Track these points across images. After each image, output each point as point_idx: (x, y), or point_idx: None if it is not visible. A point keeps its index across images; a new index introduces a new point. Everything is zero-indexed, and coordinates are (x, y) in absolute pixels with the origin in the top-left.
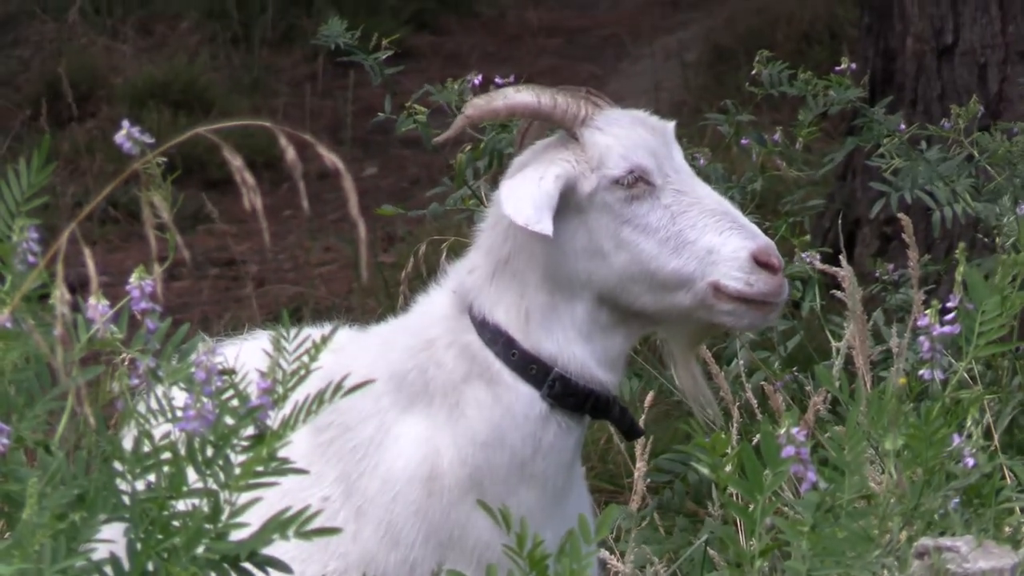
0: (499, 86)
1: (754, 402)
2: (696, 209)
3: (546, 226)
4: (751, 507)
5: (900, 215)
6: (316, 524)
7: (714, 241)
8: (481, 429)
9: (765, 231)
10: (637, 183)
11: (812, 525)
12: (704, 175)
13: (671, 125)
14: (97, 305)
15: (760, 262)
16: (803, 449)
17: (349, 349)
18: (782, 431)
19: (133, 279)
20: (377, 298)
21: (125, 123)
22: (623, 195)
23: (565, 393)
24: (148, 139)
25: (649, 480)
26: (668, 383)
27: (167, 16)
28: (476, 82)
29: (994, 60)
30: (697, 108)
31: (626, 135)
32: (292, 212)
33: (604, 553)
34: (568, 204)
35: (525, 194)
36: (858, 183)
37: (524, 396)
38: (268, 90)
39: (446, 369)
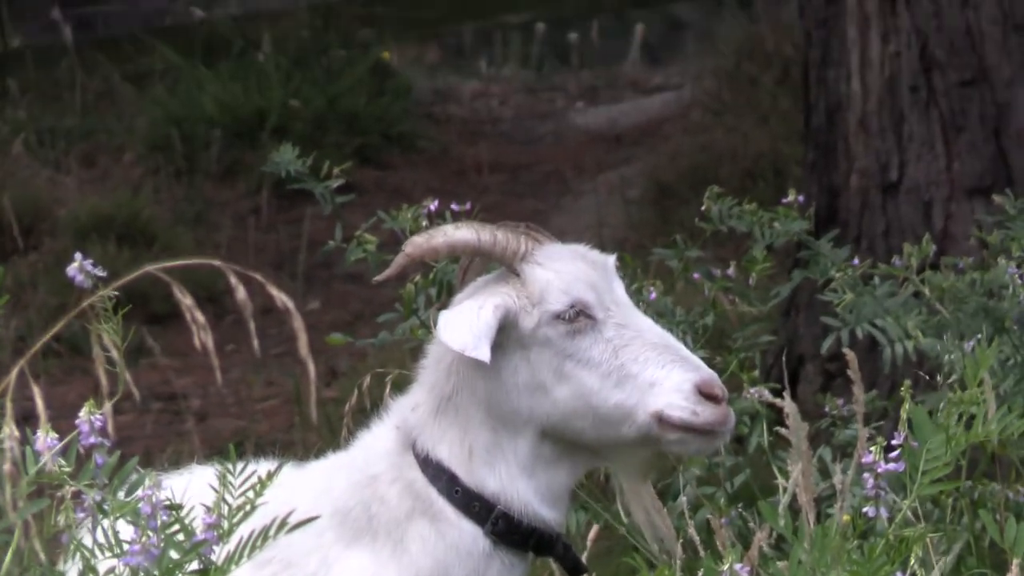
0: (455, 214)
1: (697, 539)
2: (638, 342)
3: (483, 352)
4: None
5: (845, 350)
6: None
7: (657, 374)
8: (425, 565)
9: (714, 366)
10: (578, 317)
11: None
12: (655, 310)
13: (612, 259)
14: (46, 438)
15: (704, 393)
16: None
17: (292, 484)
18: (725, 567)
19: (83, 414)
20: (319, 433)
21: (78, 256)
22: (564, 329)
23: (508, 530)
24: (100, 272)
25: None
26: (612, 519)
27: (110, 148)
28: (432, 208)
29: (939, 197)
30: (640, 244)
31: (566, 269)
32: (235, 347)
33: None
34: (509, 339)
35: (463, 322)
36: (801, 319)
37: (467, 533)
38: (211, 223)
39: (390, 505)
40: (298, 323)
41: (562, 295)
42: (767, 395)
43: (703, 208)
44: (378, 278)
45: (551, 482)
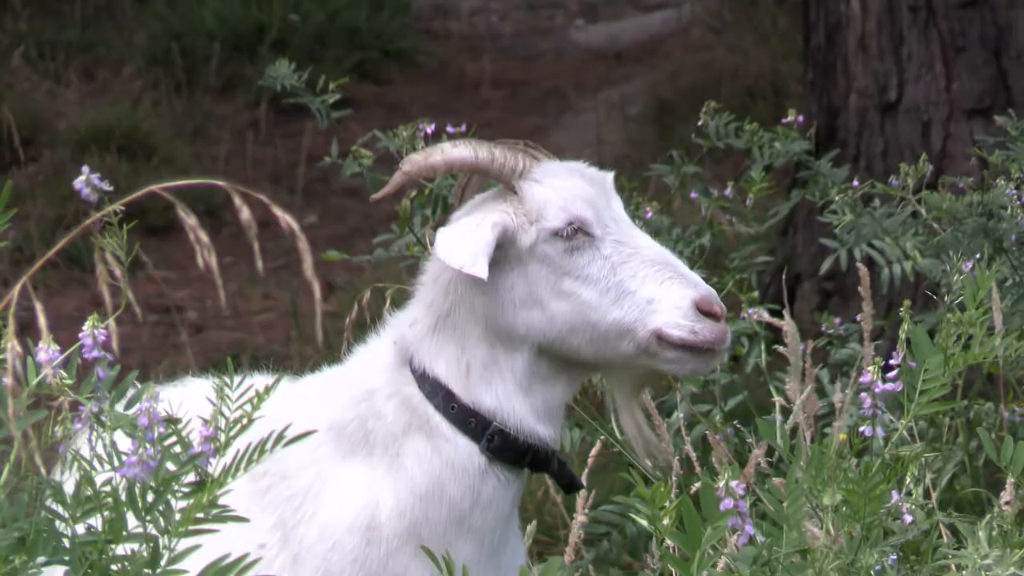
0: (451, 135)
1: (694, 455)
2: (636, 259)
3: (481, 269)
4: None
5: (859, 266)
6: (253, 572)
7: (655, 291)
8: (421, 481)
9: (712, 286)
10: (576, 234)
11: None
12: (651, 228)
13: (610, 176)
14: (48, 350)
15: (703, 310)
16: (741, 502)
17: (289, 398)
18: (721, 484)
19: (86, 327)
20: (315, 346)
21: (85, 169)
22: (562, 247)
23: (504, 447)
24: (106, 187)
25: (584, 532)
26: (610, 435)
27: (110, 62)
28: (428, 131)
29: (938, 117)
30: (640, 161)
31: (564, 186)
32: (233, 259)
33: None
34: (507, 256)
35: (461, 240)
36: (799, 238)
37: (463, 449)
38: (210, 137)
39: (386, 420)
40: (303, 245)
41: (560, 212)
42: (765, 315)
43: (700, 124)
44: (375, 196)
45: (547, 398)
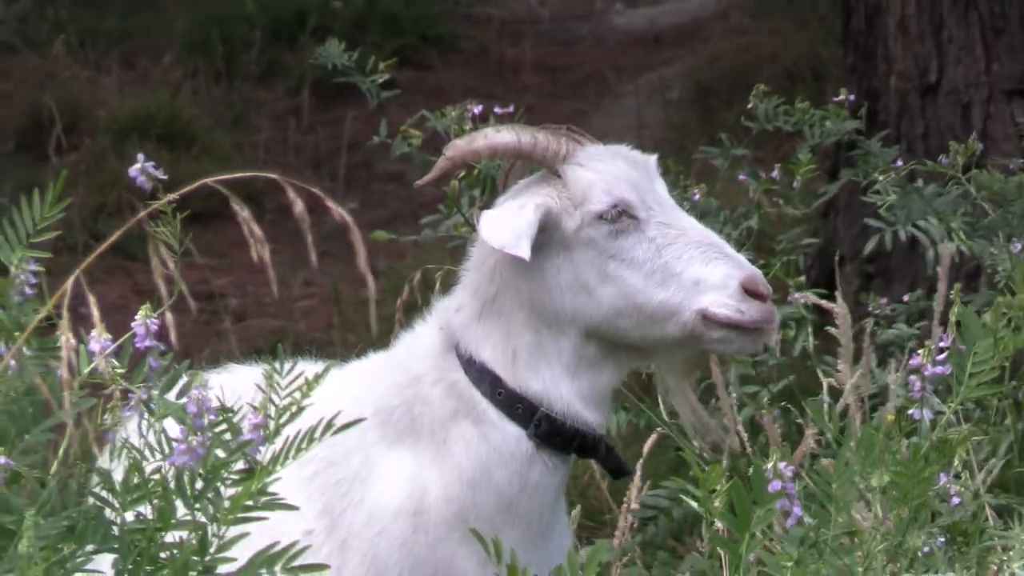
0: (498, 116)
1: (745, 435)
2: (682, 241)
3: (524, 249)
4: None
5: (941, 246)
6: (302, 560)
7: (701, 272)
8: (468, 467)
9: (759, 268)
10: (621, 217)
11: (796, 560)
12: (698, 210)
13: (653, 159)
14: (100, 339)
15: (749, 290)
16: (789, 484)
17: (335, 384)
18: (770, 465)
19: (139, 317)
20: (358, 333)
21: (140, 156)
22: (607, 230)
23: (551, 433)
24: (161, 175)
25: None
26: (658, 418)
27: (150, 50)
28: (476, 111)
29: (978, 99)
30: (680, 145)
31: (608, 170)
32: (274, 246)
33: None
34: (552, 241)
35: (504, 221)
36: (840, 221)
37: (511, 436)
38: (251, 125)
39: (433, 406)
40: (357, 238)
41: (604, 195)
42: (813, 298)
43: (749, 107)
44: (420, 182)
45: (594, 383)
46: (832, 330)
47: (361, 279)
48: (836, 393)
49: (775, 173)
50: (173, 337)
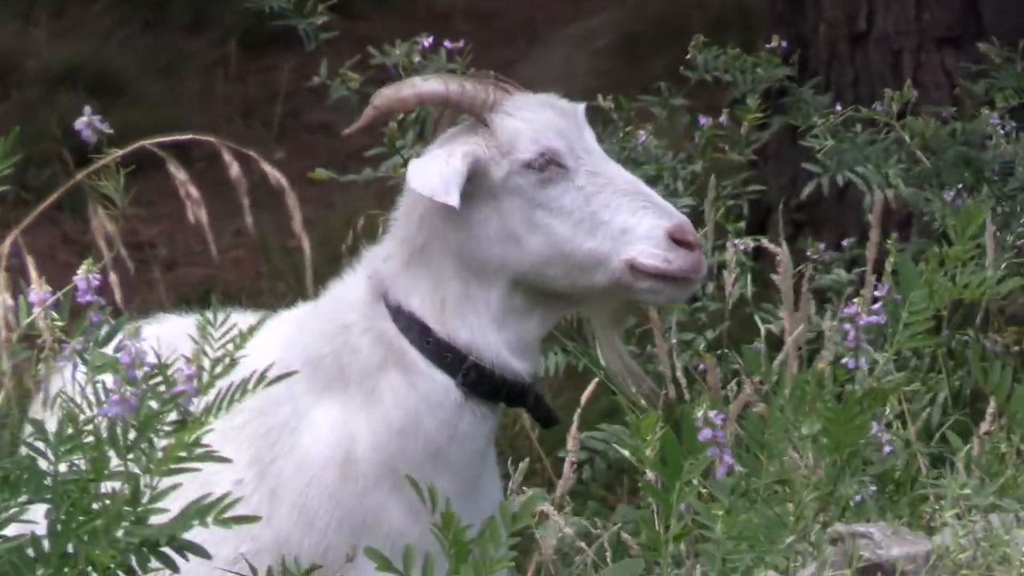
0: (448, 50)
1: (684, 382)
2: (609, 189)
3: (452, 197)
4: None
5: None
6: (234, 511)
7: (629, 220)
8: (396, 416)
9: (699, 215)
10: (549, 166)
11: (727, 509)
12: (644, 156)
13: (581, 107)
14: (40, 292)
15: (676, 239)
16: (719, 432)
17: (264, 333)
18: (699, 413)
19: (81, 271)
20: (287, 282)
21: (87, 110)
22: (535, 178)
23: (480, 381)
24: (107, 129)
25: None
26: (593, 363)
27: (80, 0)
28: (426, 44)
29: (908, 46)
30: (608, 94)
31: (535, 118)
32: (203, 196)
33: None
34: (480, 190)
35: (432, 169)
36: (769, 169)
37: (439, 384)
38: (180, 74)
39: (362, 355)
40: (293, 201)
41: (531, 144)
42: (752, 243)
43: (688, 56)
44: (348, 130)
45: (522, 332)
46: (774, 276)
47: (295, 236)
48: (773, 340)
49: (722, 119)
50: (117, 295)
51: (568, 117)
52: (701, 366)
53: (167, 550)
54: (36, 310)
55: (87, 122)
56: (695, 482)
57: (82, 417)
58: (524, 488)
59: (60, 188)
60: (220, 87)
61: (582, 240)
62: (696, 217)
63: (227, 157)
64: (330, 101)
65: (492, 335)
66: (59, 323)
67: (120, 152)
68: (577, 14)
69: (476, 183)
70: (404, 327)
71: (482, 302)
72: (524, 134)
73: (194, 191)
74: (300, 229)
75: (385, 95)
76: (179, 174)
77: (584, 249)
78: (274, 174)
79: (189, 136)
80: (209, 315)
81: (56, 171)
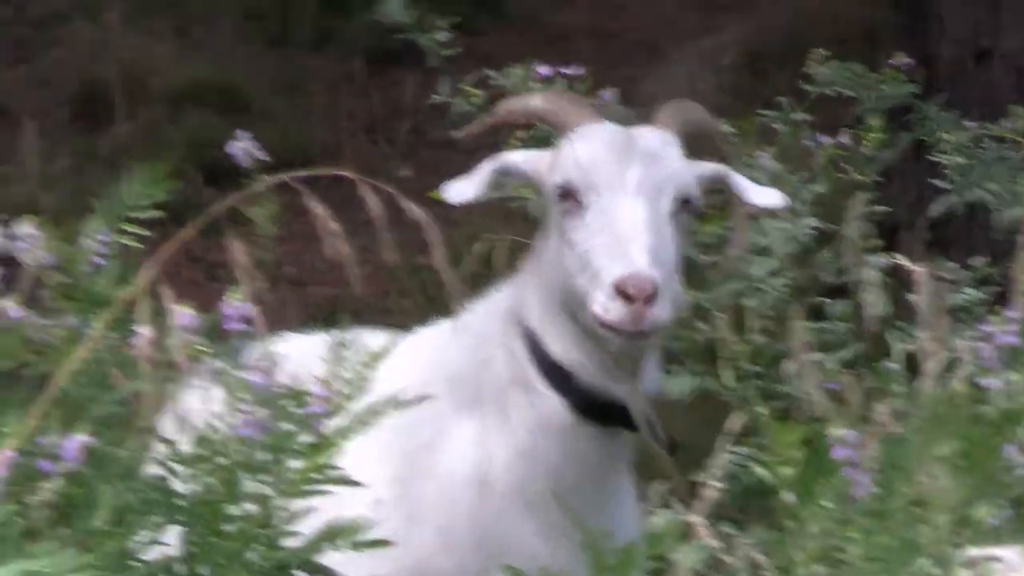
0: (564, 76)
1: (822, 401)
2: (608, 230)
3: (451, 193)
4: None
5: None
6: (371, 532)
7: (601, 264)
8: (522, 436)
9: (826, 236)
10: (568, 198)
11: (862, 531)
12: (767, 175)
13: (649, 139)
14: (185, 314)
15: (619, 290)
16: (854, 452)
17: (408, 349)
18: (834, 433)
19: (230, 298)
20: (415, 299)
21: (240, 133)
22: (560, 207)
23: (584, 403)
24: (261, 155)
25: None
26: (721, 384)
27: (204, 17)
28: (542, 71)
29: None
30: (733, 110)
31: (578, 148)
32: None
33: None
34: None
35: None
36: (895, 187)
37: (553, 406)
38: (305, 91)
39: (495, 371)
40: (435, 235)
41: (558, 174)
42: (892, 260)
43: (810, 71)
44: (462, 132)
45: (600, 356)
46: (911, 296)
47: (423, 254)
48: (908, 360)
49: (844, 138)
50: (261, 323)
51: (615, 150)
52: (834, 385)
53: (300, 574)
54: (179, 333)
55: (242, 147)
56: (829, 503)
57: (215, 438)
58: (660, 509)
59: (189, 207)
60: (345, 103)
61: (577, 276)
62: (820, 237)
63: (366, 193)
64: (452, 118)
65: (578, 357)
66: (203, 348)
67: (271, 180)
68: (701, 31)
69: (546, 203)
70: (528, 346)
71: (561, 324)
72: (560, 162)
73: (333, 225)
74: (443, 264)
75: (502, 105)
76: (317, 208)
77: (577, 286)
78: (413, 209)
79: (333, 171)
80: (340, 335)
81: (183, 189)
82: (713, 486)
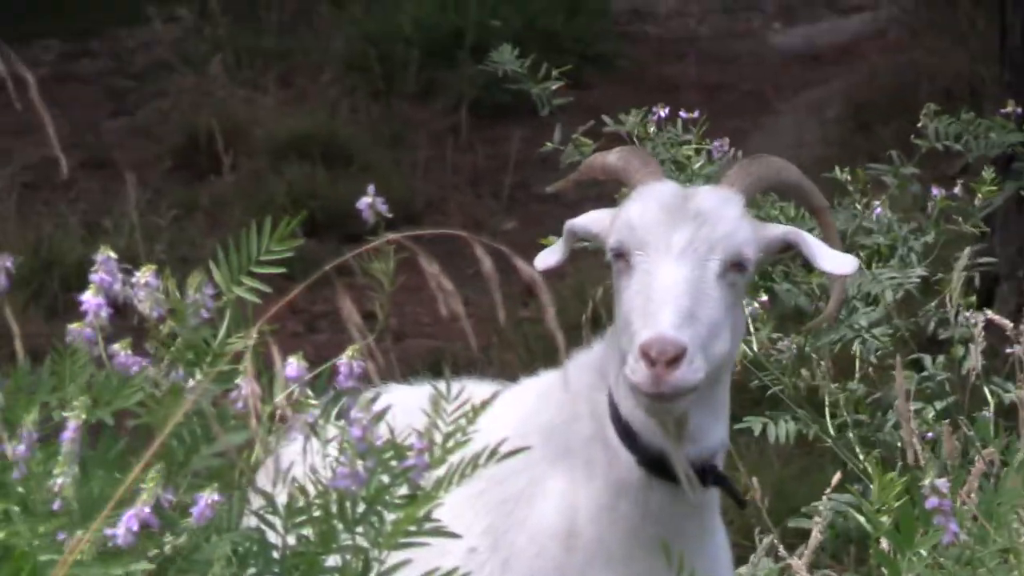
0: (684, 120)
1: (919, 448)
2: (646, 292)
3: (539, 260)
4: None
5: None
6: None
7: (636, 326)
8: (602, 490)
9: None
10: (620, 258)
11: None
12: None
13: (703, 200)
14: (295, 365)
15: (643, 352)
16: (946, 501)
17: (508, 401)
18: (927, 481)
19: (345, 357)
20: (517, 352)
21: (371, 189)
22: (615, 266)
23: (648, 460)
24: (387, 213)
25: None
26: (823, 430)
27: (308, 68)
28: (661, 114)
29: None
30: (839, 163)
31: (631, 209)
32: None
33: None
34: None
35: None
36: (996, 238)
37: (627, 462)
38: (408, 143)
39: (582, 424)
40: (546, 297)
41: (614, 233)
42: (982, 318)
43: (919, 125)
44: (552, 187)
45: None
46: (1016, 350)
47: (525, 306)
48: (1003, 411)
49: (956, 190)
50: (374, 380)
51: (668, 212)
52: (930, 435)
53: None
54: (292, 384)
55: (369, 203)
56: (924, 552)
57: (312, 490)
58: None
59: (293, 259)
60: (449, 156)
61: (622, 337)
62: (926, 287)
63: (479, 252)
64: (562, 167)
65: (641, 416)
66: (310, 401)
67: (387, 237)
68: (806, 84)
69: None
70: (608, 401)
71: (625, 382)
72: (616, 223)
73: (447, 283)
74: (554, 324)
75: (585, 162)
76: (431, 268)
77: (622, 345)
78: (525, 268)
79: (439, 231)
80: (442, 387)
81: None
82: (817, 533)
